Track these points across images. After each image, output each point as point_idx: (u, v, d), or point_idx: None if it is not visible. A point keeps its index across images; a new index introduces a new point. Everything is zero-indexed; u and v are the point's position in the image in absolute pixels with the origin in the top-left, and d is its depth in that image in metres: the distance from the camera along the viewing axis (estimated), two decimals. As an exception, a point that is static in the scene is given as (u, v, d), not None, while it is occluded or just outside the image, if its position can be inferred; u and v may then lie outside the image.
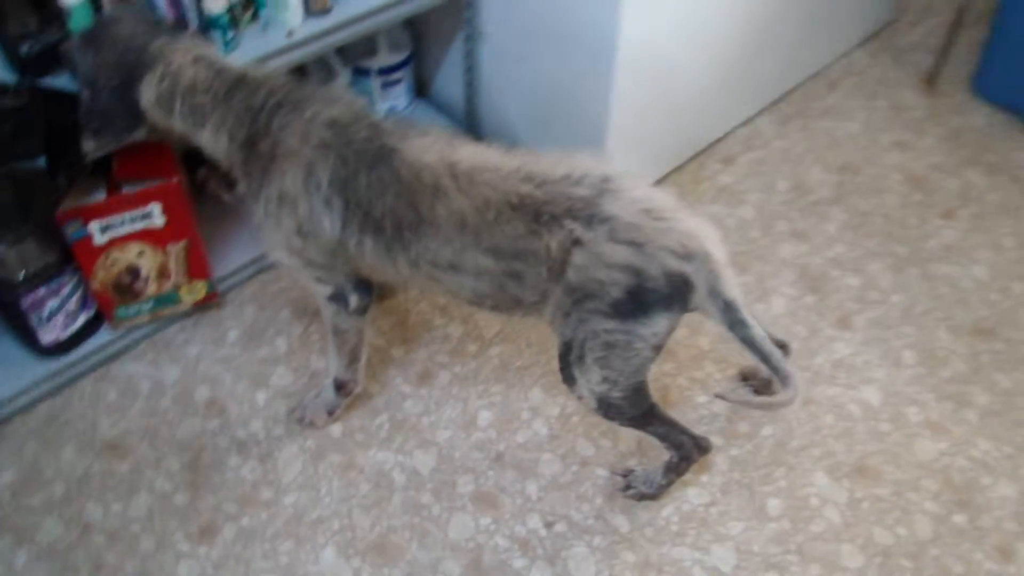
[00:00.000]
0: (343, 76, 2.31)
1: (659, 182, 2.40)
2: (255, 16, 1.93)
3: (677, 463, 1.70)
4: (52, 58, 1.78)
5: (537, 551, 1.70)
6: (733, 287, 1.44)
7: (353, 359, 1.79)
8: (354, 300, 1.68)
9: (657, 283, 1.40)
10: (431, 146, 1.49)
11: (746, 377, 1.95)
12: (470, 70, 2.35)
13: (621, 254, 1.39)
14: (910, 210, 2.35)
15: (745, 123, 2.59)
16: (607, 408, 1.56)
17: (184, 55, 1.54)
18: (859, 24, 2.83)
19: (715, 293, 1.43)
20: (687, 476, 1.77)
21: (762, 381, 1.92)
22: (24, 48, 1.76)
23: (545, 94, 2.23)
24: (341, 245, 1.54)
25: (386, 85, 2.40)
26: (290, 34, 1.91)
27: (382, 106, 2.43)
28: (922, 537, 1.72)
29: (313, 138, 1.48)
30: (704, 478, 1.79)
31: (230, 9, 1.84)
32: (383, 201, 1.47)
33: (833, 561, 1.69)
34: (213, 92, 1.53)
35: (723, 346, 2.00)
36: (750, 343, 1.46)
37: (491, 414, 1.91)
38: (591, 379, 1.51)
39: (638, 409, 1.58)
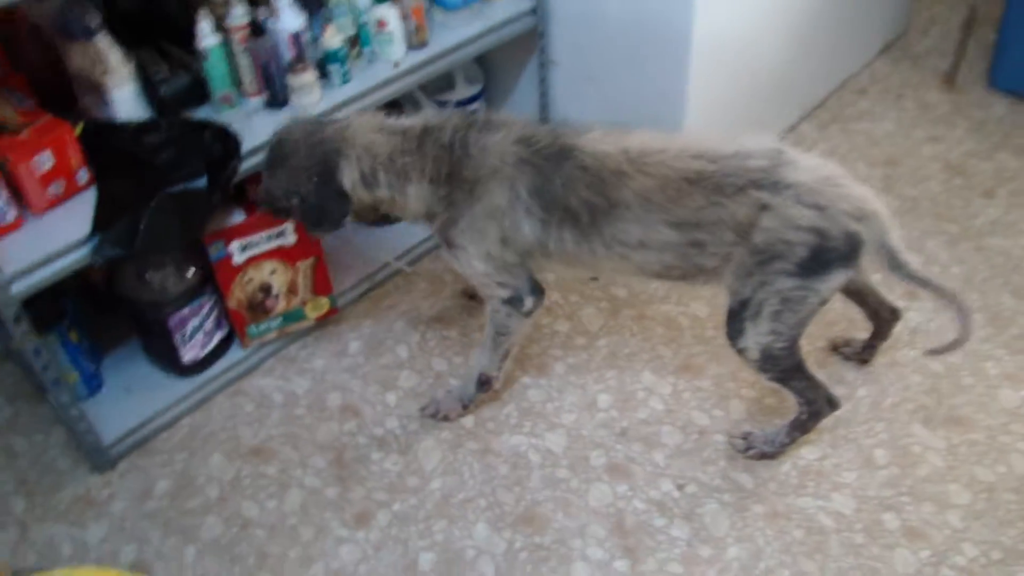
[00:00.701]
0: (429, 109, 2.50)
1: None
2: (360, 52, 2.13)
3: (805, 420, 1.85)
4: (185, 96, 1.97)
5: (673, 510, 1.84)
6: (898, 239, 1.65)
7: (505, 356, 1.95)
8: (529, 302, 1.84)
9: (837, 242, 1.58)
10: (604, 137, 1.68)
11: (836, 346, 2.12)
12: (544, 95, 2.55)
13: (808, 216, 1.57)
14: (953, 193, 2.56)
15: (791, 129, 2.81)
16: (767, 359, 1.72)
17: (366, 131, 1.73)
18: (877, 36, 3.08)
19: (885, 245, 1.63)
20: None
21: (854, 348, 2.09)
22: (162, 90, 1.94)
23: (618, 109, 2.43)
24: (541, 245, 1.71)
25: (462, 115, 2.59)
26: (397, 65, 2.11)
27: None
28: (1020, 473, 1.88)
29: (510, 156, 1.67)
30: (813, 436, 1.94)
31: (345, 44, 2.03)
32: (577, 194, 1.65)
33: (943, 499, 1.84)
34: (409, 150, 1.71)
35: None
36: (917, 279, 1.68)
37: (609, 396, 2.06)
38: (760, 331, 1.68)
39: (792, 361, 1.74)
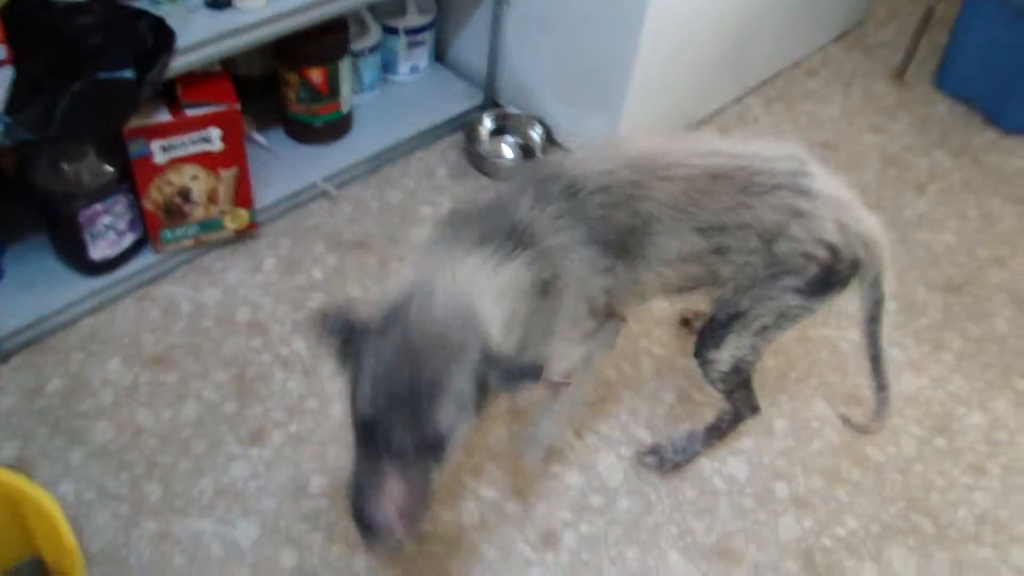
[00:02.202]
0: (375, 32, 2.44)
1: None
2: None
3: (724, 428, 1.82)
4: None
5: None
6: (889, 286, 1.55)
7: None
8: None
9: (844, 265, 1.48)
10: (602, 153, 1.47)
11: (686, 320, 2.10)
12: (495, 35, 2.50)
13: (832, 231, 1.44)
14: (886, 184, 2.59)
15: (737, 101, 2.81)
16: (735, 371, 1.64)
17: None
18: (834, 22, 3.09)
19: (876, 285, 1.54)
20: (703, 398, 1.94)
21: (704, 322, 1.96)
22: (97, -27, 1.85)
23: (567, 60, 2.40)
24: (607, 292, 1.48)
25: (411, 45, 2.54)
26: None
27: (405, 66, 2.57)
28: (908, 455, 1.93)
29: (548, 227, 1.36)
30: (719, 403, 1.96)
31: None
32: (614, 223, 1.41)
33: (833, 474, 1.88)
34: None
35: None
36: (875, 342, 1.62)
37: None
38: (742, 344, 1.57)
39: (749, 373, 1.67)
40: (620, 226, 1.41)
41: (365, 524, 1.15)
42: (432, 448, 1.15)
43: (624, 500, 1.82)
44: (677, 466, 1.86)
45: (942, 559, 1.78)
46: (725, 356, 1.61)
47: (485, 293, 1.25)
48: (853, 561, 1.76)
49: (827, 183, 1.46)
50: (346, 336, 1.20)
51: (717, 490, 1.83)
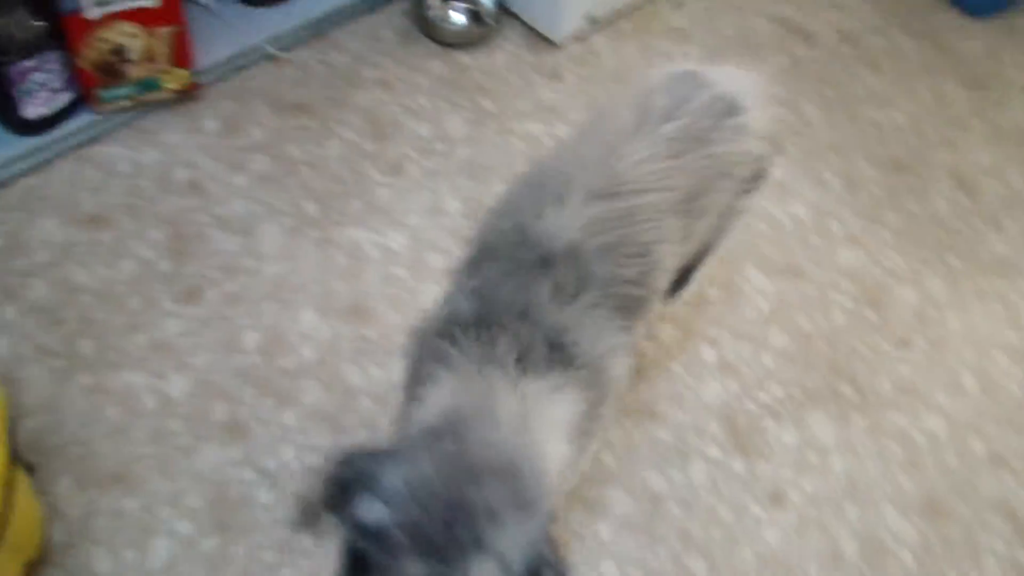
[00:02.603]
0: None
1: (617, 20, 2.53)
2: None
3: None
4: None
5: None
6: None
7: None
8: None
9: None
10: (563, 194, 1.25)
11: None
12: None
13: (766, 122, 1.40)
14: (840, 60, 2.56)
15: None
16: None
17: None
18: None
19: None
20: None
21: None
22: None
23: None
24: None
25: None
26: None
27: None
28: (837, 325, 1.97)
29: (589, 330, 1.20)
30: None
31: None
32: (626, 278, 1.25)
33: (761, 341, 1.92)
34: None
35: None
36: None
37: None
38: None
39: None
40: (630, 277, 1.26)
41: None
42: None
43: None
44: None
45: (859, 424, 1.83)
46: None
47: (549, 430, 1.10)
48: (774, 425, 1.81)
49: (731, 80, 1.39)
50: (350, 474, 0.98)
51: (645, 354, 1.87)
